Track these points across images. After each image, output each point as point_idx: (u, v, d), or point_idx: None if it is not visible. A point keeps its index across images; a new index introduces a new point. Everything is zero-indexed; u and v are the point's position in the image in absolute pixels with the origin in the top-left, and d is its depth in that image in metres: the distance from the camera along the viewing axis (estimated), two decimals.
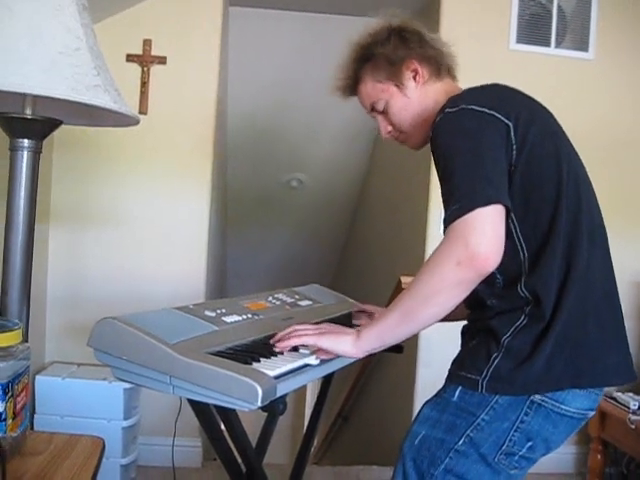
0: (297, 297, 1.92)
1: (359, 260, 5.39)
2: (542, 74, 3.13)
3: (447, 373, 1.38)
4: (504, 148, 1.27)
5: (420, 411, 1.39)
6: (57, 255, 3.01)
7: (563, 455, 3.23)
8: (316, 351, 1.35)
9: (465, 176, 1.23)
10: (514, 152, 1.27)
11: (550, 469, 3.03)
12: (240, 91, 3.99)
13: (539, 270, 1.27)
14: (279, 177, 4.98)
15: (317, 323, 1.50)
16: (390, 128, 1.56)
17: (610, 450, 3.04)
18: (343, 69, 1.56)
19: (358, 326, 1.51)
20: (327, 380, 2.05)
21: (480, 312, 1.36)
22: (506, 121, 1.28)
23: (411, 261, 3.41)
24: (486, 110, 1.28)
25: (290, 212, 5.44)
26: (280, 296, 1.87)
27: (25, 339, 1.23)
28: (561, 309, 1.25)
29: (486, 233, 1.18)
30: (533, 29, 3.14)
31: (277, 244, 5.76)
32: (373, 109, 1.55)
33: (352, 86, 1.57)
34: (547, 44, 3.14)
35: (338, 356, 1.36)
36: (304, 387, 6.79)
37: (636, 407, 2.70)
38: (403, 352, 1.90)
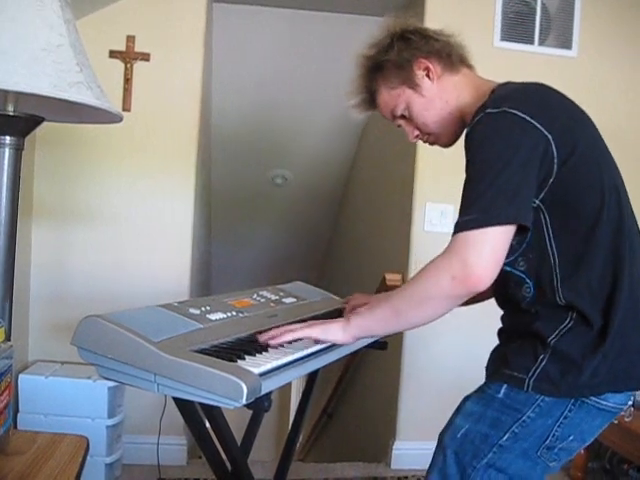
0: (282, 294, 1.92)
1: (344, 257, 5.39)
2: (526, 72, 3.11)
3: (486, 370, 1.39)
4: (539, 162, 1.23)
5: (462, 405, 1.40)
6: (40, 253, 2.98)
7: None
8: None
9: (491, 187, 1.20)
10: (555, 165, 1.24)
11: None
12: (224, 87, 3.98)
13: (575, 281, 1.27)
14: (264, 174, 4.97)
15: (303, 320, 1.51)
16: (417, 132, 1.52)
17: (594, 445, 3.06)
18: (355, 85, 1.53)
19: None
20: (312, 377, 2.06)
21: (521, 316, 1.35)
22: (546, 133, 1.24)
23: (396, 258, 3.42)
24: (528, 118, 1.24)
25: (275, 209, 5.43)
26: (265, 293, 1.87)
27: (8, 338, 1.22)
28: (612, 323, 1.25)
29: (486, 255, 1.18)
30: (517, 27, 3.15)
31: (262, 241, 5.75)
32: (394, 117, 1.52)
33: (369, 100, 1.54)
34: (531, 42, 3.16)
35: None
36: (289, 384, 6.80)
37: None
38: (387, 349, 1.90)
